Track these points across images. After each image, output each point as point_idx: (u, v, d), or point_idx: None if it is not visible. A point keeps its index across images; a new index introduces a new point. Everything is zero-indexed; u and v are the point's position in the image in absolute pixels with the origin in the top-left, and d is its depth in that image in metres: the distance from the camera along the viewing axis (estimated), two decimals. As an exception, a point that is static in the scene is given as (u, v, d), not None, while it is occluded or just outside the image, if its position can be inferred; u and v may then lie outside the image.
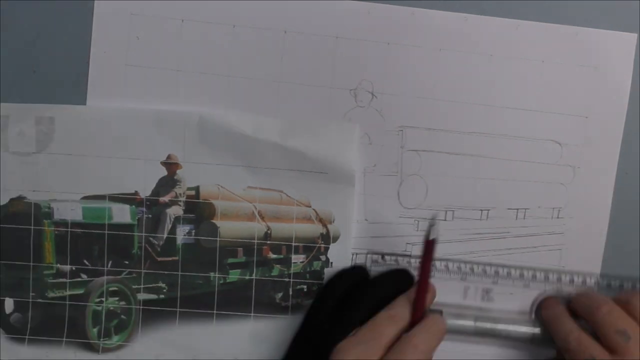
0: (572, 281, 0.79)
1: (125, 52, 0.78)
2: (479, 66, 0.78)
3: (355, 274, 0.77)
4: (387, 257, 0.80)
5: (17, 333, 0.81)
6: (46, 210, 0.80)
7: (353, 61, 0.78)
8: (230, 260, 0.80)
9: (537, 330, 0.78)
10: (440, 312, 0.75)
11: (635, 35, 0.77)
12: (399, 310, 0.71)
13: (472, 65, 0.78)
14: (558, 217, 0.79)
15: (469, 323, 0.77)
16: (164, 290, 0.81)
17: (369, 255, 0.80)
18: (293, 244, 0.80)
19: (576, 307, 0.75)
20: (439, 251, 0.79)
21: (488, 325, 0.78)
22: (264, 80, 0.78)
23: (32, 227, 0.80)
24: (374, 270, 0.79)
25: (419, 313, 0.71)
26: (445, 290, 0.80)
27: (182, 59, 0.78)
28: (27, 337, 0.81)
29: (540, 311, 0.78)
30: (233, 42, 0.78)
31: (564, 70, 0.77)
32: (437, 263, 0.79)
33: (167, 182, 0.80)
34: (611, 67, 0.77)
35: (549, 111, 0.78)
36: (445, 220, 0.79)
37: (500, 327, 0.78)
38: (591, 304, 0.73)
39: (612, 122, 0.78)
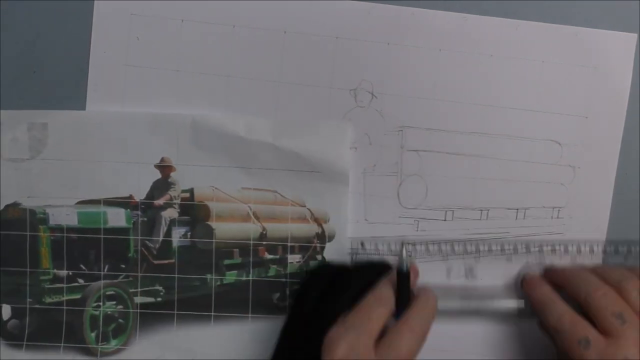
0: (579, 250, 0.79)
1: (125, 52, 0.78)
2: (479, 66, 0.78)
3: (335, 266, 0.76)
4: (366, 245, 0.80)
5: (14, 339, 0.81)
6: (41, 216, 0.79)
7: (353, 61, 0.78)
8: (227, 261, 0.80)
9: (523, 304, 0.77)
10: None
11: (635, 35, 0.77)
12: (385, 292, 0.70)
13: (472, 65, 0.78)
14: (558, 217, 0.79)
15: (454, 303, 0.77)
16: (161, 293, 0.80)
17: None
18: (289, 244, 0.80)
19: (565, 286, 0.74)
20: (439, 252, 0.79)
21: (474, 303, 0.77)
22: (264, 81, 0.78)
23: (28, 233, 0.79)
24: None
25: (405, 297, 0.71)
26: (428, 271, 0.79)
27: (182, 59, 0.78)
28: (24, 343, 0.80)
29: (525, 291, 0.77)
30: (233, 43, 0.78)
31: (563, 71, 0.78)
32: (418, 246, 0.79)
33: (162, 185, 0.80)
34: (611, 67, 0.77)
35: (549, 111, 0.78)
36: (445, 220, 0.79)
37: (487, 304, 0.77)
38: (584, 286, 0.72)
39: (612, 122, 0.78)
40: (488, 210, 0.79)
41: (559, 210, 0.79)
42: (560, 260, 0.78)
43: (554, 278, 0.76)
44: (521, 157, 0.78)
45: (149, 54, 0.79)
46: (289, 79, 0.78)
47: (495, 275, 0.80)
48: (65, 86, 0.79)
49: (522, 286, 0.78)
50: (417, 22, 0.77)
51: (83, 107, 0.79)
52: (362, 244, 0.80)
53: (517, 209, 0.79)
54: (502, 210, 0.79)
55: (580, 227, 0.79)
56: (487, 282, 0.80)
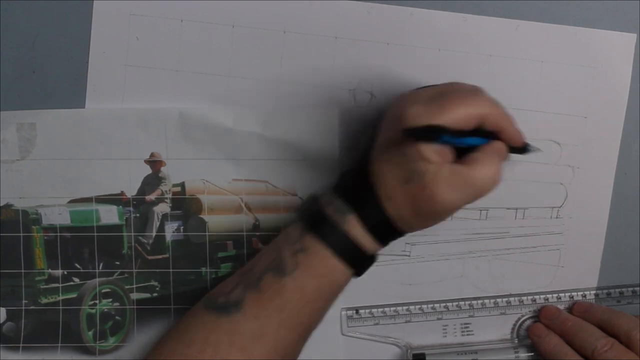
0: (571, 298, 0.80)
1: (124, 53, 0.78)
2: (479, 66, 0.78)
3: None
4: (361, 311, 0.81)
5: (10, 342, 0.80)
6: (34, 216, 0.79)
7: (352, 61, 0.78)
8: (221, 254, 0.80)
9: (521, 355, 0.79)
10: None
11: (635, 35, 0.77)
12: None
13: (471, 65, 0.78)
14: (557, 217, 0.78)
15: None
16: (157, 289, 0.80)
17: (342, 312, 0.81)
18: None
19: (570, 340, 0.76)
20: (438, 251, 0.79)
21: (472, 359, 0.79)
22: (264, 81, 0.79)
23: (22, 234, 0.79)
24: (350, 325, 0.81)
25: None
26: (424, 332, 0.81)
27: (182, 59, 0.79)
28: (21, 345, 0.80)
29: (534, 341, 0.79)
30: (233, 42, 0.78)
31: (563, 70, 0.77)
32: (412, 307, 0.80)
33: (152, 180, 0.80)
34: (611, 67, 0.77)
35: (548, 111, 0.78)
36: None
37: (485, 358, 0.79)
38: (590, 341, 0.74)
39: (611, 122, 0.78)
40: (487, 210, 0.79)
41: (558, 210, 0.79)
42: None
43: (558, 328, 0.77)
44: (521, 157, 0.78)
45: (149, 54, 0.79)
46: (289, 79, 0.78)
47: (490, 329, 0.81)
48: (64, 86, 0.79)
49: (529, 336, 0.79)
50: (416, 22, 0.77)
51: (83, 107, 0.79)
52: (357, 311, 0.81)
53: (517, 209, 0.79)
54: (501, 210, 0.79)
55: (579, 227, 0.79)
56: (483, 337, 0.81)
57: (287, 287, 0.67)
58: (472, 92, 0.65)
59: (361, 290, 0.80)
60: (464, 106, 0.63)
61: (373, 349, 0.81)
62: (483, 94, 0.65)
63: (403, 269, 0.80)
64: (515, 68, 0.78)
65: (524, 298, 0.80)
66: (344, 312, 0.80)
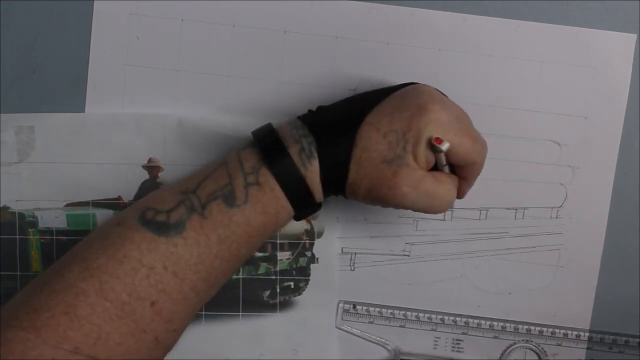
0: (565, 335, 0.81)
1: (125, 52, 0.78)
2: (479, 66, 0.78)
3: None
4: (358, 307, 0.81)
5: (7, 343, 0.80)
6: (30, 219, 0.79)
7: (353, 61, 0.78)
8: (216, 260, 0.80)
9: None
10: None
11: (635, 35, 0.77)
12: None
13: (472, 65, 0.78)
14: (557, 217, 0.78)
15: None
16: (151, 294, 0.80)
17: (340, 305, 0.81)
18: (278, 241, 0.80)
19: None
20: (438, 251, 0.79)
21: None
22: (264, 81, 0.79)
23: (18, 237, 0.79)
24: (345, 318, 0.81)
25: None
26: (415, 340, 0.81)
27: (182, 59, 0.79)
28: (18, 346, 0.80)
29: None
30: (233, 42, 0.78)
31: (563, 71, 0.78)
32: (409, 313, 0.80)
33: (150, 186, 0.80)
34: (611, 68, 0.77)
35: (549, 111, 0.78)
36: (444, 220, 0.79)
37: None
38: None
39: (611, 122, 0.78)
40: (487, 210, 0.79)
41: (558, 210, 0.79)
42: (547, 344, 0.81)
43: None
44: (521, 157, 0.78)
45: (149, 54, 0.79)
46: (289, 79, 0.78)
47: (480, 350, 0.81)
48: (65, 86, 0.79)
49: None
50: (417, 22, 0.77)
51: (83, 107, 0.79)
52: (354, 306, 0.81)
53: (516, 209, 0.79)
54: (501, 210, 0.79)
55: (579, 227, 0.79)
56: (472, 356, 0.81)
57: (234, 219, 0.65)
58: (483, 143, 0.68)
59: (360, 287, 0.80)
60: (473, 149, 0.66)
61: (365, 346, 0.81)
62: (486, 148, 0.68)
63: (403, 269, 0.80)
64: (515, 68, 0.78)
65: (519, 326, 0.80)
66: (341, 305, 0.80)
